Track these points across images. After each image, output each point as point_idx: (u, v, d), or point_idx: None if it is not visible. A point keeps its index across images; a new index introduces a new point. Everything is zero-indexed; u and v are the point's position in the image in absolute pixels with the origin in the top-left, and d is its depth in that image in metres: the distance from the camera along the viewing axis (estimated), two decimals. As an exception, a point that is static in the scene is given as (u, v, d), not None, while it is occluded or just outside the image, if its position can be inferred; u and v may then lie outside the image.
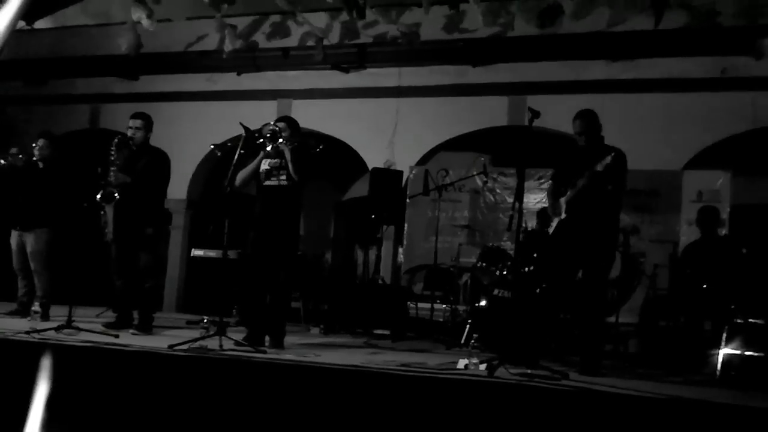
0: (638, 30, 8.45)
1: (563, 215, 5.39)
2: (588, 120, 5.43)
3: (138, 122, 6.54)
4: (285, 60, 10.02)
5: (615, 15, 8.53)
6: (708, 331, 6.16)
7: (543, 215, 7.41)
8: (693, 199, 8.13)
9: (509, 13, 8.86)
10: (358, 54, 9.73)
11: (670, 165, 8.55)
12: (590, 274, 5.28)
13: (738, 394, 4.64)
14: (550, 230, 5.63)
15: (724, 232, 7.69)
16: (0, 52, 1.69)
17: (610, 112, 8.84)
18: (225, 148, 6.70)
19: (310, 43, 9.63)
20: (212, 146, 6.76)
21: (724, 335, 5.59)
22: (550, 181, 5.80)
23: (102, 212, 6.36)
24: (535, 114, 5.21)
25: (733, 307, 5.78)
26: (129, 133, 6.49)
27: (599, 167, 5.06)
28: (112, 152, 6.33)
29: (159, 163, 6.56)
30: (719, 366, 5.48)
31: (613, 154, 5.09)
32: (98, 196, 6.19)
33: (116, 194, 6.20)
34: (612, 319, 6.79)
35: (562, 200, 5.41)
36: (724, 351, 5.56)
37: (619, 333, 6.85)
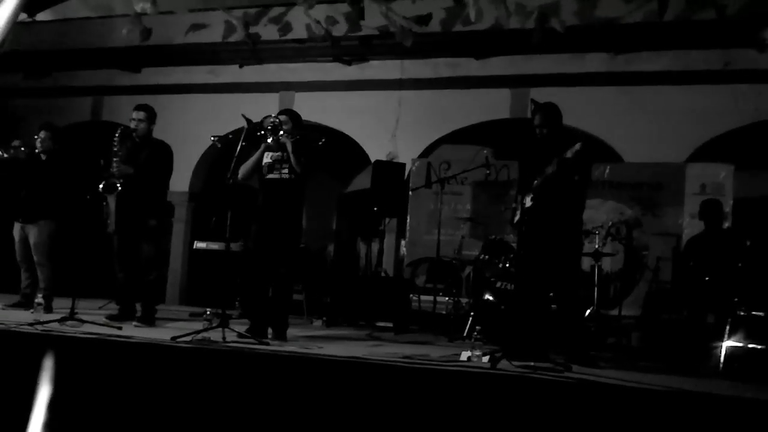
0: (641, 22, 8.41)
1: (529, 203, 5.37)
2: (547, 113, 5.44)
3: (141, 114, 6.55)
4: (287, 52, 10.00)
5: (617, 7, 8.48)
6: (711, 324, 6.16)
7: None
8: (696, 192, 8.12)
9: (508, 7, 8.82)
10: (361, 46, 9.70)
11: (673, 158, 8.53)
12: (561, 263, 5.26)
13: (741, 387, 4.64)
14: (515, 218, 5.59)
15: (727, 225, 7.68)
16: (2, 44, 1.69)
17: (613, 105, 8.90)
18: (226, 140, 6.69)
19: (312, 35, 9.59)
20: (213, 138, 6.76)
21: (727, 328, 5.60)
22: (519, 175, 5.74)
23: (104, 203, 6.37)
24: (537, 107, 5.20)
25: (736, 299, 5.79)
26: (132, 125, 6.51)
27: (569, 154, 5.05)
28: (115, 144, 6.34)
29: (162, 155, 6.57)
30: (722, 358, 5.49)
31: (580, 142, 5.08)
32: (100, 187, 6.20)
33: (118, 185, 6.21)
34: (615, 311, 6.80)
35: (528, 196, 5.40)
36: (727, 343, 5.57)
37: (622, 326, 6.86)
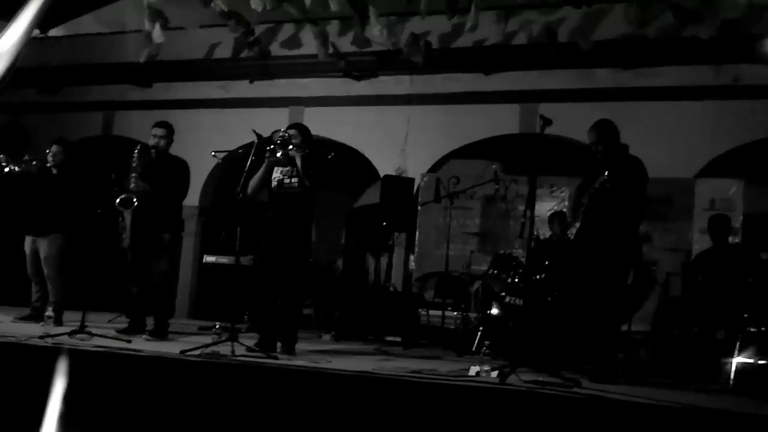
0: (650, 38, 8.44)
1: (577, 224, 5.39)
2: (600, 130, 5.41)
3: (162, 131, 6.60)
4: (297, 68, 10.07)
5: (627, 23, 8.51)
6: (721, 340, 6.13)
7: (554, 220, 7.41)
8: (705, 208, 8.10)
9: (517, 22, 8.87)
10: (370, 62, 9.75)
11: (683, 173, 8.51)
12: (606, 282, 5.25)
13: (751, 403, 4.61)
14: (571, 235, 5.63)
15: (736, 240, 7.65)
16: (16, 60, 1.71)
17: (622, 120, 8.76)
18: (228, 155, 6.74)
19: (322, 51, 9.65)
20: (213, 153, 6.84)
21: (738, 344, 5.56)
22: (576, 190, 5.72)
23: (120, 218, 6.42)
24: (547, 121, 5.21)
25: (746, 315, 5.75)
26: (152, 141, 6.55)
27: (596, 184, 5.09)
28: (134, 160, 6.38)
29: (180, 172, 6.61)
30: (732, 375, 5.45)
31: (606, 173, 5.08)
32: (117, 202, 6.24)
33: (135, 201, 6.25)
34: (624, 327, 6.77)
35: (580, 210, 5.42)
36: (737, 360, 5.53)
37: (631, 341, 6.81)
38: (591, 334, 5.43)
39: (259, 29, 10.17)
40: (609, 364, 5.14)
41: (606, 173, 5.10)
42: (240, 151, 6.04)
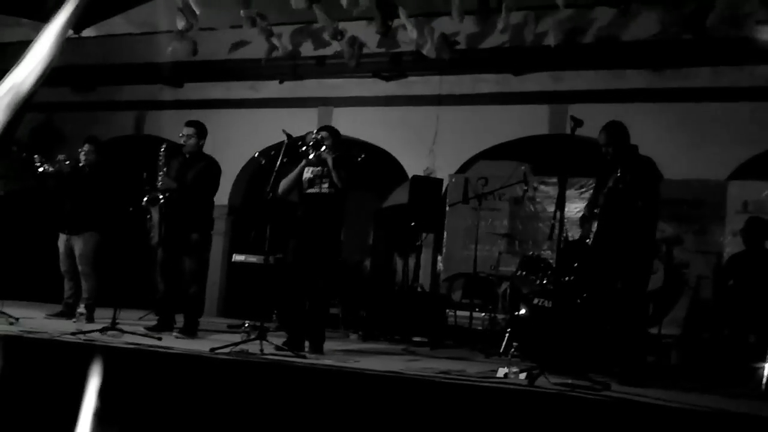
0: (683, 39, 8.34)
1: (594, 227, 5.38)
2: (611, 131, 5.43)
3: (191, 130, 6.66)
4: (325, 68, 10.09)
5: (658, 23, 8.43)
6: (752, 344, 6.05)
7: (585, 222, 7.36)
8: (738, 210, 7.99)
9: (547, 22, 8.82)
10: (399, 62, 9.75)
11: (715, 175, 8.41)
12: (625, 284, 5.24)
13: (784, 409, 4.55)
14: (589, 240, 5.60)
15: (769, 243, 7.54)
16: (52, 60, 1.75)
17: (653, 121, 8.80)
18: (269, 156, 6.78)
19: (351, 51, 9.67)
20: (256, 154, 6.83)
21: (770, 348, 5.49)
22: (592, 191, 5.77)
23: (148, 216, 6.49)
24: (578, 123, 5.19)
25: (779, 319, 5.68)
26: (181, 140, 6.62)
27: (620, 185, 5.06)
28: (161, 158, 6.46)
29: (210, 171, 6.66)
30: (764, 379, 5.37)
31: (620, 170, 5.06)
32: (144, 200, 6.32)
33: (161, 198, 6.32)
34: (654, 330, 6.71)
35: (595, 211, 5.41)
36: (770, 364, 5.45)
37: (662, 344, 6.76)
38: (616, 336, 5.40)
39: (288, 29, 10.22)
40: (636, 367, 5.11)
41: (619, 173, 5.07)
42: (273, 152, 6.08)
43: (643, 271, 5.40)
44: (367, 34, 9.75)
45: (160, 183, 6.38)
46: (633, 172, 5.16)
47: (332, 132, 6.04)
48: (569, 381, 4.45)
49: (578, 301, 5.98)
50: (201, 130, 6.71)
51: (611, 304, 5.31)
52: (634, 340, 5.25)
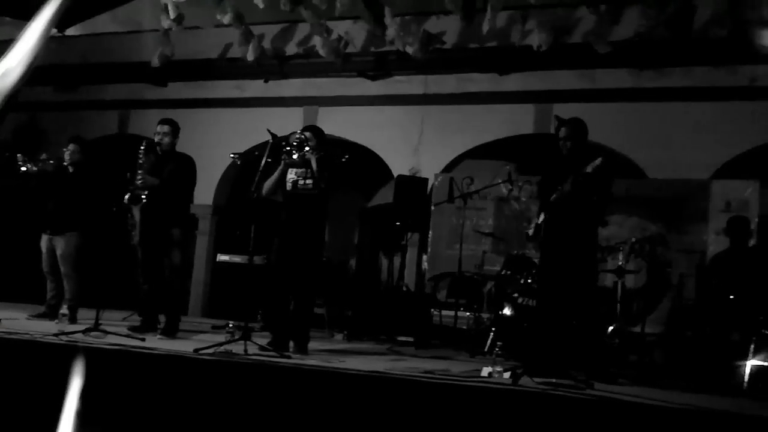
0: (666, 39, 8.38)
1: (541, 219, 5.40)
2: (573, 127, 5.50)
3: (165, 128, 6.64)
4: (311, 68, 10.08)
5: (642, 24, 8.46)
6: (735, 342, 6.09)
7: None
8: (721, 209, 8.04)
9: (532, 23, 8.84)
10: (384, 61, 9.75)
11: (698, 174, 8.47)
12: (573, 281, 5.26)
13: (765, 406, 4.58)
14: (530, 232, 5.62)
15: (752, 242, 7.60)
16: (35, 59, 1.73)
17: (637, 121, 8.85)
18: (246, 157, 6.77)
19: (336, 51, 9.66)
20: (232, 155, 6.80)
21: (752, 346, 5.53)
22: (536, 187, 5.79)
23: (129, 215, 6.45)
24: (562, 122, 5.22)
25: (761, 318, 5.72)
26: (156, 138, 6.60)
27: (589, 168, 5.08)
28: (140, 156, 6.43)
29: (185, 168, 6.64)
30: (747, 377, 5.41)
31: (601, 157, 5.10)
32: (125, 199, 6.29)
33: (143, 197, 6.30)
34: (638, 329, 6.75)
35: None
36: (752, 362, 5.49)
37: (645, 343, 6.80)
38: (576, 337, 5.42)
39: (273, 29, 10.20)
40: (599, 364, 5.14)
41: (588, 167, 5.10)
42: (256, 153, 6.08)
43: (590, 266, 5.44)
44: (353, 33, 9.75)
45: (141, 180, 6.35)
46: (594, 171, 5.18)
47: (316, 132, 6.03)
48: (553, 380, 4.47)
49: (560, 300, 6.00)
50: (176, 128, 6.71)
51: (566, 302, 5.33)
52: (589, 338, 5.28)
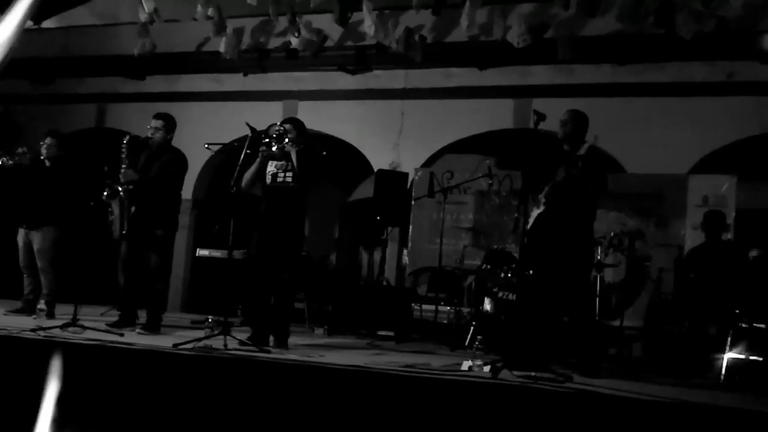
0: (645, 34, 8.44)
1: (541, 208, 5.41)
2: (576, 114, 5.54)
3: (159, 123, 6.57)
4: (291, 61, 10.04)
5: (621, 19, 8.51)
6: (713, 336, 6.16)
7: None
8: (698, 204, 8.11)
9: (512, 17, 8.86)
10: (364, 56, 9.73)
11: (676, 169, 8.53)
12: (572, 272, 5.29)
13: (742, 398, 4.63)
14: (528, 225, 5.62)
15: (728, 236, 7.67)
16: (9, 51, 1.71)
17: (616, 116, 8.90)
18: (222, 147, 6.70)
19: (316, 44, 9.64)
20: (206, 145, 6.74)
21: (729, 339, 5.58)
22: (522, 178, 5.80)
23: (109, 209, 6.39)
24: (541, 117, 5.23)
25: (737, 311, 5.77)
26: (149, 133, 6.53)
27: (581, 150, 5.12)
28: (123, 151, 6.37)
29: (176, 163, 6.57)
30: (724, 370, 5.47)
31: (588, 143, 5.15)
32: (104, 194, 6.23)
33: (121, 192, 6.24)
34: (616, 322, 6.80)
35: (541, 196, 5.43)
36: (729, 355, 5.55)
37: (624, 337, 6.84)
38: (571, 328, 5.46)
39: (252, 22, 10.15)
40: (592, 357, 5.17)
41: (580, 149, 5.14)
42: (236, 144, 6.05)
43: (587, 256, 5.47)
44: (333, 27, 9.72)
45: (122, 176, 6.29)
46: (585, 158, 5.22)
47: (296, 124, 5.98)
48: (532, 373, 4.49)
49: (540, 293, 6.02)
50: (170, 123, 6.63)
51: (560, 294, 5.35)
52: (588, 330, 5.31)
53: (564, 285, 5.30)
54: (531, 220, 5.50)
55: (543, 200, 5.39)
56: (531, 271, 5.73)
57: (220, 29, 9.92)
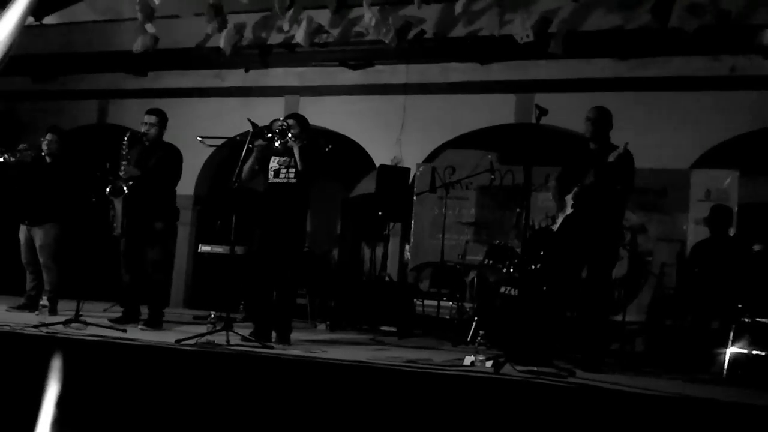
0: (647, 28, 8.41)
1: (569, 210, 5.40)
2: (600, 112, 5.56)
3: (153, 118, 6.58)
4: (292, 57, 10.03)
5: (623, 13, 8.49)
6: (715, 330, 6.15)
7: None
8: (701, 198, 8.09)
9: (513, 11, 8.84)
10: (365, 51, 9.72)
11: (678, 163, 8.51)
12: (595, 271, 5.30)
13: (745, 393, 4.63)
14: (555, 227, 5.62)
15: (732, 231, 7.67)
16: (10, 48, 1.71)
17: (618, 111, 8.77)
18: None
19: (318, 40, 9.63)
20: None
21: (732, 334, 5.59)
22: (554, 181, 5.81)
23: (111, 206, 6.40)
24: (543, 111, 5.22)
25: (740, 306, 5.77)
26: (143, 128, 6.54)
27: (611, 158, 5.10)
28: (124, 147, 6.37)
29: (171, 159, 6.59)
30: (726, 365, 5.47)
31: (623, 146, 5.14)
32: (107, 190, 6.24)
33: (125, 188, 6.25)
34: (619, 317, 6.80)
35: (569, 197, 5.42)
36: (731, 350, 5.56)
37: (626, 332, 6.85)
38: (581, 324, 5.46)
39: (254, 17, 10.13)
40: (597, 353, 5.18)
41: (610, 157, 5.13)
42: (238, 138, 6.04)
43: (613, 257, 5.48)
44: (335, 22, 9.70)
45: (123, 172, 6.30)
46: (615, 164, 5.21)
47: (300, 120, 5.97)
48: (535, 368, 4.49)
49: (544, 289, 6.04)
50: (163, 119, 6.65)
51: (578, 291, 5.36)
52: (598, 327, 5.31)
53: (584, 283, 5.30)
54: (558, 222, 5.51)
55: (571, 202, 5.39)
56: (533, 266, 5.74)
57: (221, 25, 9.90)
